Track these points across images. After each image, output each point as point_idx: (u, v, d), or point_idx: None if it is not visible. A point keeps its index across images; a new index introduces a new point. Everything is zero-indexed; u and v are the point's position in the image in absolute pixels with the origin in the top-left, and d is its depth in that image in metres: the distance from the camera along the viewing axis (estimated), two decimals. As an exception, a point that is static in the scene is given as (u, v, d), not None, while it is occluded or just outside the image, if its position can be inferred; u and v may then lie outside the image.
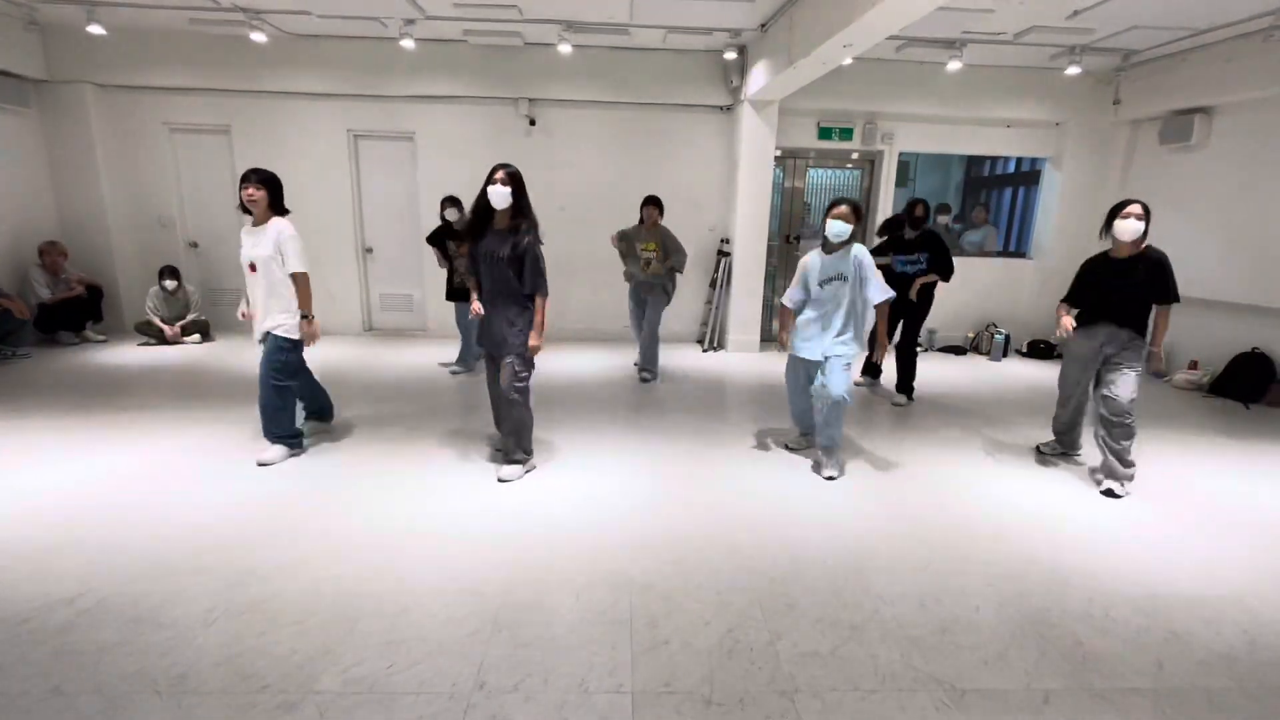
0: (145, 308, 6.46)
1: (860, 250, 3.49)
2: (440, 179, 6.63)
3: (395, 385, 5.18)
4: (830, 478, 3.54)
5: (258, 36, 5.86)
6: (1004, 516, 3.17)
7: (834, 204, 3.48)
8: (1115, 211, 3.40)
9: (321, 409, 4.03)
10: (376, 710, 1.83)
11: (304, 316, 3.48)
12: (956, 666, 2.08)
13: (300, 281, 3.44)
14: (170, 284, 6.43)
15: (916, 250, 4.88)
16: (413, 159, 6.92)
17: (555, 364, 6.01)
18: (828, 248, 3.56)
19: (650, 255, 5.32)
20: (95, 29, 5.63)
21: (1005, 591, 2.51)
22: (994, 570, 2.66)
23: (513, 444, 3.48)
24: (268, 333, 3.47)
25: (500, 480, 3.38)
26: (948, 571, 2.64)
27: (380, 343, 6.88)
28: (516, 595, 2.39)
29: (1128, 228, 3.32)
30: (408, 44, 6.02)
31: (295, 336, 3.48)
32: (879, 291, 3.49)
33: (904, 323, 5.06)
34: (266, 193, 3.38)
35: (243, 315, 3.61)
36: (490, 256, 3.23)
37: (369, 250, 7.18)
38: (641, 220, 5.38)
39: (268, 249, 3.37)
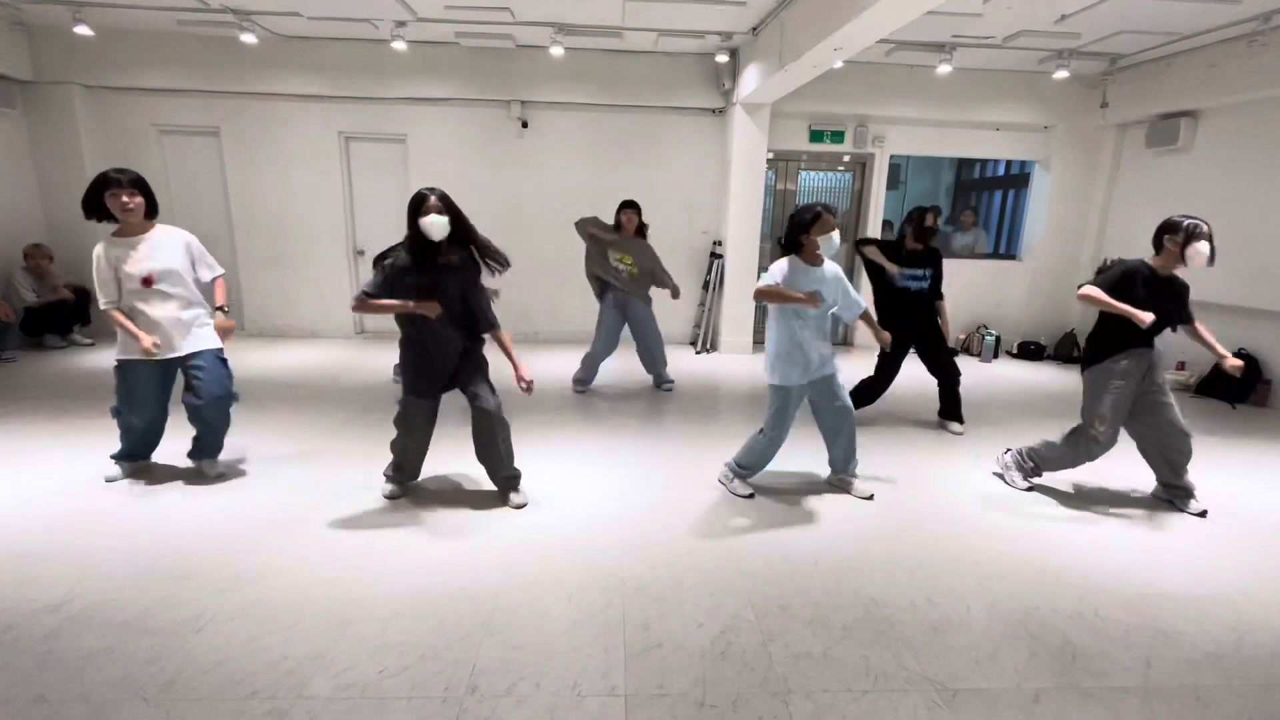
0: (133, 311, 6.41)
1: (835, 266, 3.17)
2: (432, 181, 6.50)
3: (386, 389, 5.15)
4: (868, 496, 3.35)
5: (247, 38, 5.82)
6: (994, 517, 3.19)
7: (821, 215, 3.00)
8: (1191, 234, 2.98)
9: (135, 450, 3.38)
10: (368, 715, 1.82)
11: (219, 308, 3.28)
12: (948, 666, 2.09)
13: (219, 282, 3.31)
14: (158, 287, 6.38)
15: (925, 265, 4.28)
16: (404, 161, 6.90)
17: (546, 366, 5.99)
18: (814, 260, 3.09)
19: (625, 267, 4.93)
20: (82, 30, 5.58)
21: (996, 592, 2.52)
22: (984, 570, 2.68)
23: (511, 464, 3.19)
24: (192, 353, 3.14)
25: (517, 507, 3.12)
26: (939, 572, 2.66)
27: (372, 346, 6.85)
28: (508, 598, 2.38)
29: (1203, 251, 2.96)
30: (399, 46, 6.00)
31: (221, 344, 3.28)
32: (861, 301, 3.23)
33: (906, 345, 4.37)
34: (143, 198, 3.03)
35: (156, 346, 3.02)
36: (442, 293, 2.86)
37: (360, 253, 7.14)
38: (619, 225, 4.93)
39: (177, 260, 3.10)
